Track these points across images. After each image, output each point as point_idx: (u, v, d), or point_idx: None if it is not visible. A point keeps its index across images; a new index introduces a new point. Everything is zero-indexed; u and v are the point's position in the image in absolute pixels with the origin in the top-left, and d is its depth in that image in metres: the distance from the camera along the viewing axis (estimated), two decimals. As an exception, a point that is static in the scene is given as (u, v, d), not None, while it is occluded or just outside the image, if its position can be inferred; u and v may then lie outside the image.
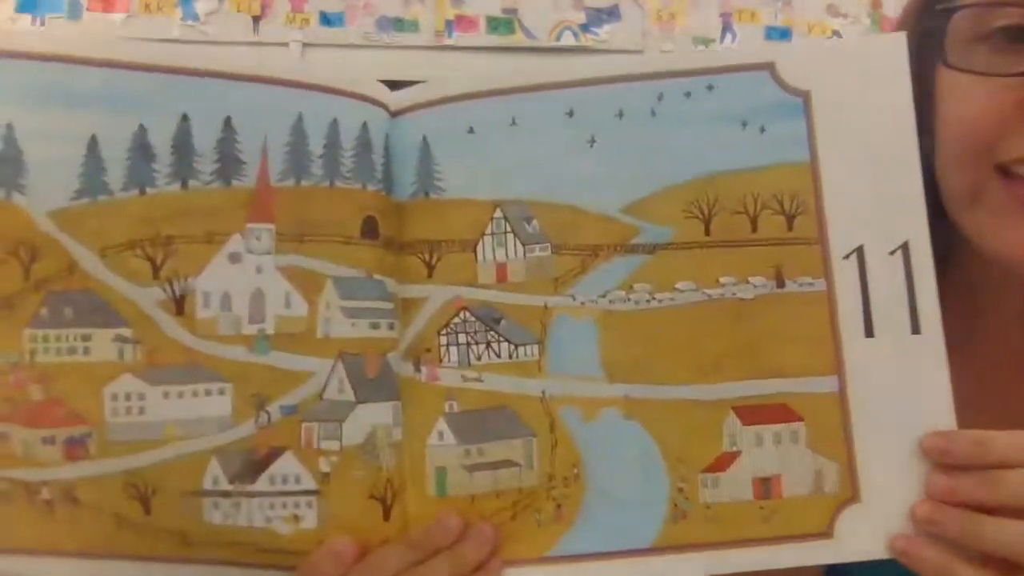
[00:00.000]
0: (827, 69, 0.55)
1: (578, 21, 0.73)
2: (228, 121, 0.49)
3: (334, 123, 0.52)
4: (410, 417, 0.53)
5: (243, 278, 0.49)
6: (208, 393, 0.49)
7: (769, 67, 0.54)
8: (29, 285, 0.47)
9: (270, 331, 0.49)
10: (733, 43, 0.96)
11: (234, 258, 0.49)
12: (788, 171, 0.54)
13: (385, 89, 0.55)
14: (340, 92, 0.53)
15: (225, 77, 0.50)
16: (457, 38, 0.71)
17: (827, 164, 0.54)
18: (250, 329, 0.49)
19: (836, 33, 1.01)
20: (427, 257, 0.54)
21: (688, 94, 0.54)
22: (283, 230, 0.50)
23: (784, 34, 0.98)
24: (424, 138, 0.55)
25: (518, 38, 0.80)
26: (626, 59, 0.57)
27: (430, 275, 0.54)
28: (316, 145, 0.51)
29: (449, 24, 0.74)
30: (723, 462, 0.52)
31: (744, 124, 0.54)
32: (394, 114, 0.55)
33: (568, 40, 0.85)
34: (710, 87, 0.54)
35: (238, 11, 1.24)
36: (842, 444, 0.51)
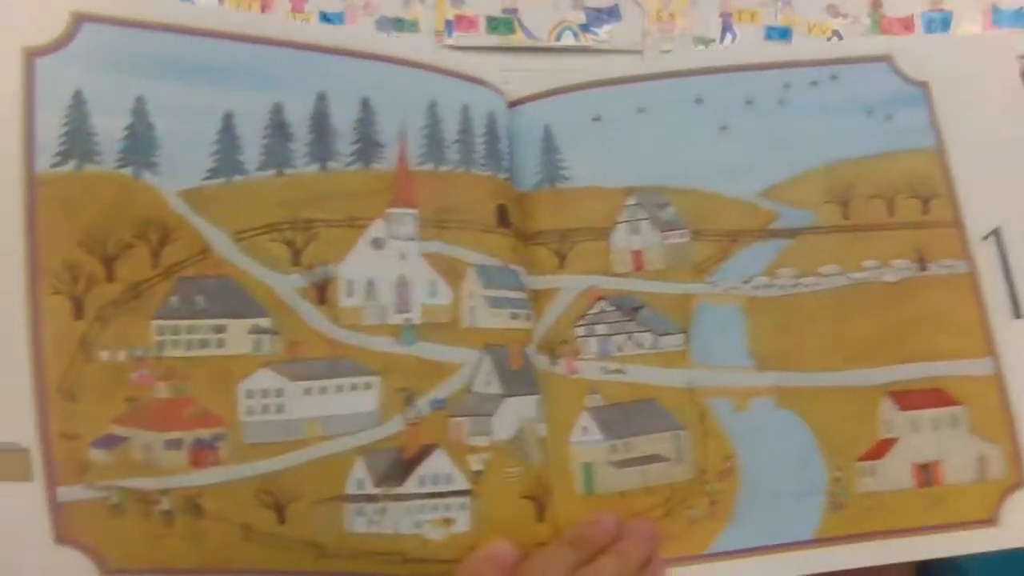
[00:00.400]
0: (942, 61, 0.55)
1: (578, 21, 0.73)
2: (366, 102, 0.47)
3: (465, 109, 0.50)
4: (551, 412, 0.49)
5: (387, 265, 0.46)
6: (354, 388, 0.45)
7: (887, 59, 0.54)
8: (159, 271, 0.43)
9: (416, 321, 0.46)
10: (733, 43, 0.97)
11: (377, 244, 0.46)
12: (917, 157, 0.54)
13: (502, 78, 0.53)
14: (469, 78, 0.50)
15: (362, 57, 0.47)
16: (457, 38, 0.71)
17: (954, 149, 0.54)
18: (396, 319, 0.46)
19: (836, 33, 1.03)
20: (557, 247, 0.51)
21: (814, 83, 0.54)
22: (424, 215, 0.47)
23: (784, 34, 1.00)
24: (546, 127, 0.52)
25: (518, 38, 0.80)
26: (749, 49, 0.56)
27: (561, 265, 0.51)
28: (450, 131, 0.49)
29: (449, 24, 0.73)
30: (880, 449, 0.50)
31: (870, 112, 0.54)
32: (511, 104, 0.53)
33: (568, 40, 0.86)
34: (834, 77, 0.54)
35: (238, 10, 1.18)
36: (1005, 427, 0.50)
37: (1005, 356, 0.51)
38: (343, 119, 0.46)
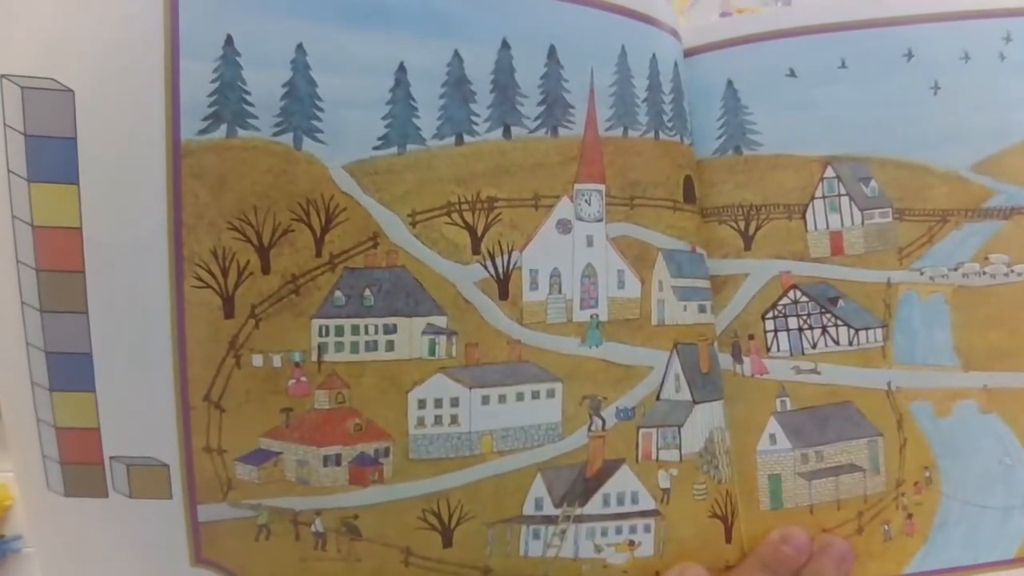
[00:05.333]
0: None
1: None
2: (552, 52, 0.40)
3: (654, 60, 0.44)
4: (735, 418, 0.45)
5: (573, 252, 0.40)
6: (535, 396, 0.40)
7: None
8: (322, 261, 0.37)
9: (603, 317, 0.41)
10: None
11: (563, 227, 0.41)
12: None
13: (678, 21, 0.46)
14: (651, 20, 0.44)
15: (549, -5, 0.40)
16: None
17: None
18: (582, 315, 0.41)
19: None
20: (742, 226, 0.46)
21: (1037, 34, 0.47)
22: (613, 192, 0.42)
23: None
24: (729, 82, 0.46)
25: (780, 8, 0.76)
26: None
27: (747, 247, 0.46)
28: (640, 87, 0.43)
29: None
30: (1092, 461, 0.46)
31: None
32: (687, 54, 0.47)
33: None
34: (1059, 26, 0.47)
35: None
36: None
37: None
38: (528, 73, 0.40)
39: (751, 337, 0.47)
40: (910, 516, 0.47)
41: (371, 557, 0.40)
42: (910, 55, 0.48)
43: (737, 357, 0.47)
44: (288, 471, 0.39)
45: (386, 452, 0.40)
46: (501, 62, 0.40)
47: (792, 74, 0.48)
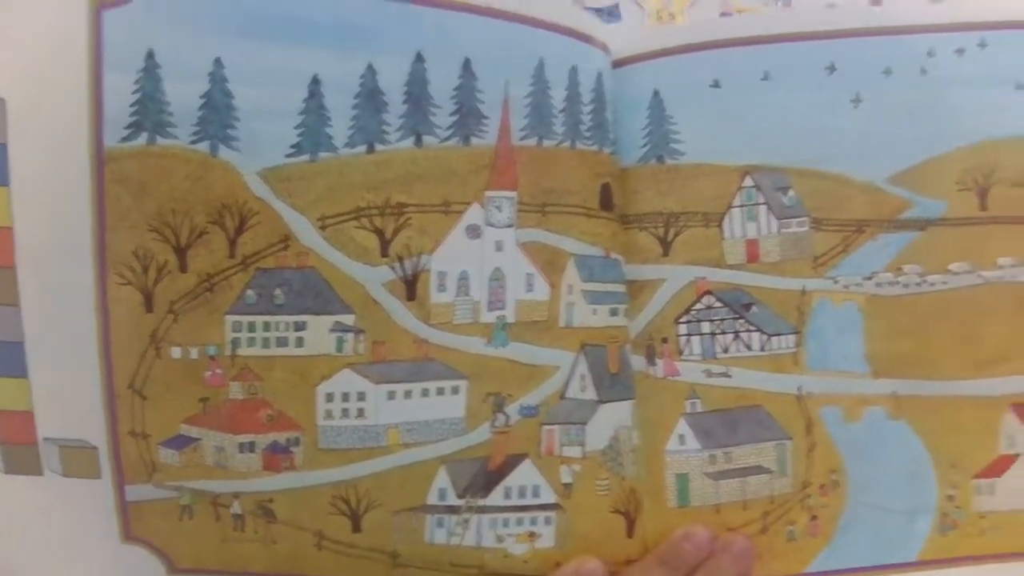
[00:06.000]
0: None
1: None
2: (467, 64, 0.43)
3: (574, 71, 0.46)
4: (646, 418, 0.47)
5: (482, 256, 0.43)
6: (440, 392, 0.43)
7: (1043, 23, 0.49)
8: (235, 261, 0.40)
9: (510, 319, 0.44)
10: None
11: (472, 232, 0.43)
12: None
13: (608, 34, 0.48)
14: (576, 34, 0.46)
15: (464, 9, 0.43)
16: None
17: None
18: (489, 317, 0.43)
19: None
20: (662, 232, 0.48)
21: (960, 51, 0.49)
22: (525, 199, 0.44)
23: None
24: (656, 92, 0.48)
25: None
26: (891, 10, 0.51)
27: (665, 253, 0.48)
28: (558, 97, 0.45)
29: None
30: (1000, 466, 0.49)
31: (1019, 87, 0.50)
32: (615, 64, 0.49)
33: None
34: (983, 44, 0.49)
35: None
36: None
37: None
38: (441, 85, 0.43)
39: (665, 340, 0.49)
40: (815, 517, 0.49)
41: (286, 539, 0.43)
42: (832, 68, 0.50)
43: (651, 359, 0.49)
44: (207, 456, 0.42)
45: (296, 441, 0.43)
46: (415, 74, 0.43)
47: (716, 85, 0.49)
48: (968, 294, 0.49)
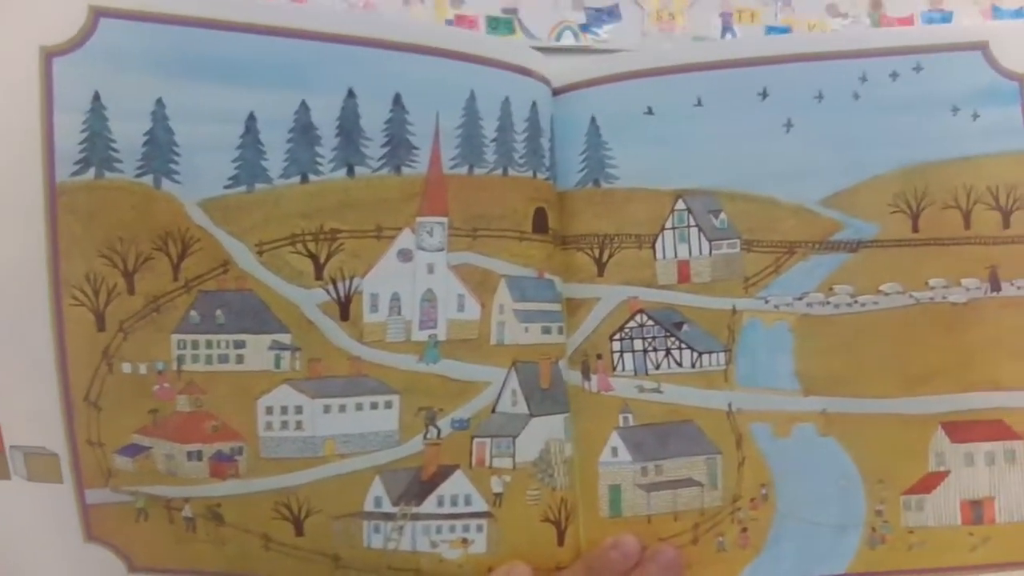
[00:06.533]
0: None
1: (578, 21, 0.72)
2: (398, 99, 0.45)
3: (506, 102, 0.48)
4: (580, 431, 0.50)
5: (414, 278, 0.46)
6: (374, 407, 0.45)
7: (982, 47, 0.50)
8: (179, 285, 0.44)
9: (442, 337, 0.46)
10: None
11: (404, 256, 0.46)
12: (1005, 162, 0.51)
13: (546, 63, 0.51)
14: (511, 67, 0.48)
15: (394, 48, 0.45)
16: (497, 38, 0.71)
17: None
18: (420, 335, 0.46)
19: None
20: (597, 253, 0.50)
21: (894, 75, 0.50)
22: (456, 224, 0.47)
23: (784, 33, 0.99)
24: (593, 119, 0.50)
25: (518, 38, 0.80)
26: (826, 36, 0.53)
27: (600, 273, 0.50)
28: (489, 128, 0.47)
29: (449, 24, 0.73)
30: (929, 483, 0.49)
31: (955, 110, 0.51)
32: (556, 92, 0.51)
33: (568, 40, 0.85)
34: (917, 68, 0.50)
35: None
36: None
37: None
38: (373, 119, 0.45)
39: (599, 356, 0.51)
40: (745, 530, 0.50)
41: (235, 541, 0.47)
42: (765, 94, 0.51)
43: (586, 374, 0.51)
44: (158, 463, 0.46)
45: (240, 451, 0.46)
46: (347, 109, 0.46)
47: (650, 112, 0.52)
48: (899, 314, 0.50)
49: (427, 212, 0.47)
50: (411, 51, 0.47)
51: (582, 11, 0.76)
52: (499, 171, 0.49)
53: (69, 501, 0.46)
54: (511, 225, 0.49)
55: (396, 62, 0.46)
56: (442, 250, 0.47)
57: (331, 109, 0.45)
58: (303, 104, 0.45)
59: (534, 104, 0.50)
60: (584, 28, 0.74)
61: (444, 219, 0.47)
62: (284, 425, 0.45)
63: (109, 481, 0.46)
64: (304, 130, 0.45)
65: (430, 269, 0.47)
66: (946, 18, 0.84)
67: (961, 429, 0.50)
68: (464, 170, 0.48)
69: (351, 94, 0.46)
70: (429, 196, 0.47)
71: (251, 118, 0.44)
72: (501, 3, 0.75)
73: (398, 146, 0.46)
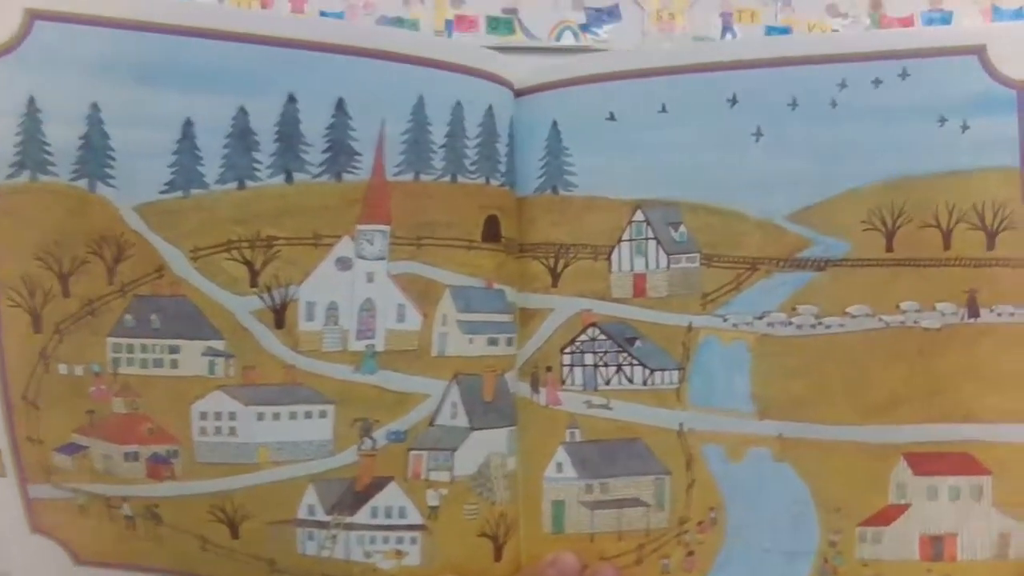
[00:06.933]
0: None
1: (578, 21, 0.70)
2: (340, 104, 0.44)
3: (458, 107, 0.46)
4: (526, 444, 0.48)
5: (352, 287, 0.45)
6: (308, 416, 0.45)
7: (979, 51, 0.47)
8: (114, 288, 0.43)
9: (380, 348, 0.45)
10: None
11: (343, 264, 0.45)
12: (993, 178, 0.47)
13: (508, 63, 0.49)
14: (464, 69, 0.46)
15: (338, 51, 0.44)
16: (457, 38, 0.69)
17: None
18: (357, 345, 0.45)
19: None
20: (552, 263, 0.48)
21: (877, 82, 0.47)
22: (399, 233, 0.46)
23: (784, 33, 0.94)
24: (554, 123, 0.48)
25: (518, 38, 0.79)
26: (804, 38, 0.49)
27: (555, 284, 0.49)
28: (438, 133, 0.46)
29: (449, 24, 0.71)
30: (888, 515, 0.47)
31: (942, 120, 0.47)
32: (518, 94, 0.49)
33: (568, 40, 0.83)
34: (904, 74, 0.47)
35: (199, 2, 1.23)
36: None
37: None
38: (313, 124, 0.44)
39: (549, 369, 0.50)
40: (691, 553, 0.49)
41: (173, 540, 0.47)
42: (734, 100, 0.49)
43: (535, 387, 0.50)
44: (96, 463, 0.46)
45: (175, 454, 0.46)
46: (286, 114, 0.45)
47: (612, 118, 0.49)
48: (866, 338, 0.48)
49: (368, 220, 0.45)
50: (356, 55, 0.45)
51: (582, 11, 0.74)
52: (447, 178, 0.47)
53: (14, 494, 0.47)
54: (459, 234, 0.47)
55: (340, 66, 0.45)
56: (383, 259, 0.46)
57: (270, 114, 0.44)
58: (241, 109, 0.44)
59: (490, 108, 0.48)
60: (584, 28, 0.72)
61: (386, 227, 0.46)
62: (218, 431, 0.45)
63: (50, 477, 0.46)
64: (242, 135, 0.44)
65: (369, 278, 0.46)
66: (946, 19, 0.79)
67: (925, 461, 0.47)
68: (409, 177, 0.46)
69: (291, 99, 0.44)
70: (370, 203, 0.45)
71: (188, 123, 0.43)
72: (501, 3, 0.74)
73: (339, 152, 0.45)
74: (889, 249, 0.47)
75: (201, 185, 0.44)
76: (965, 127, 0.47)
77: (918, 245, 0.47)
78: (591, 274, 0.49)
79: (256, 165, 0.44)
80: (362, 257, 0.46)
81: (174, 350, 0.45)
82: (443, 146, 0.47)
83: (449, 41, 0.49)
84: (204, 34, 0.44)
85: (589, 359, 0.49)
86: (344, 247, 0.45)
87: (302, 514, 0.46)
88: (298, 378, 0.46)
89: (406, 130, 0.46)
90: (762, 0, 0.71)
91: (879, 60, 0.48)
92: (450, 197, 0.47)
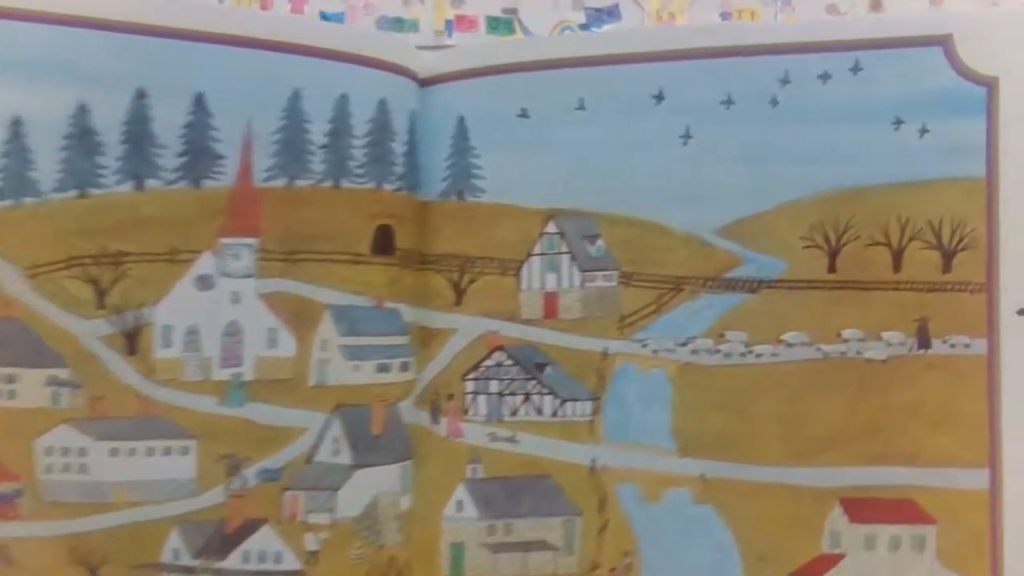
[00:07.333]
0: None
1: (578, 21, 0.66)
2: (200, 100, 0.38)
3: (342, 100, 0.40)
4: (423, 479, 0.43)
5: (215, 309, 0.39)
6: (167, 452, 0.39)
7: (943, 42, 0.40)
8: (-60, 310, 0.37)
9: (248, 377, 0.40)
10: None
11: (203, 283, 0.39)
12: (954, 189, 0.42)
13: (413, 50, 0.42)
14: (351, 58, 0.40)
15: (196, 39, 0.37)
16: (457, 38, 0.66)
17: (1010, 182, 0.41)
18: (223, 374, 0.39)
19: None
20: (456, 277, 0.42)
21: (825, 76, 0.41)
22: (269, 246, 0.40)
23: None
24: (461, 119, 0.42)
25: (518, 38, 0.74)
26: (742, 26, 0.43)
27: (458, 302, 0.43)
28: (318, 131, 0.40)
29: (449, 24, 0.68)
30: (820, 566, 0.42)
31: (898, 122, 0.42)
32: (423, 83, 0.42)
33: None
34: (856, 68, 0.41)
35: None
36: (984, 558, 0.41)
37: (1010, 468, 0.41)
38: (167, 123, 0.38)
39: (450, 397, 0.44)
40: (603, 601, 0.44)
41: None
42: (660, 97, 0.42)
43: (435, 416, 0.44)
44: (-64, 498, 0.41)
45: (20, 492, 0.40)
46: (135, 112, 0.38)
47: (524, 114, 0.43)
48: (802, 369, 0.42)
49: (232, 232, 0.40)
50: (218, 43, 0.38)
51: (582, 11, 0.70)
52: (329, 183, 0.41)
53: None
54: (342, 246, 0.41)
55: (199, 57, 0.38)
56: (251, 276, 0.40)
57: (116, 112, 0.38)
58: (81, 106, 0.37)
59: (383, 102, 0.42)
60: (584, 28, 0.68)
61: (253, 240, 0.40)
62: (67, 468, 0.40)
63: None
64: (82, 136, 0.38)
65: (235, 298, 0.40)
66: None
67: (863, 507, 0.42)
68: (282, 182, 0.40)
69: (141, 94, 0.38)
70: (235, 213, 0.39)
71: (16, 121, 0.37)
72: (501, 3, 0.70)
73: (199, 155, 0.39)
74: (831, 270, 0.42)
75: (34, 193, 0.38)
76: (924, 130, 0.41)
77: (864, 266, 0.42)
78: (498, 291, 0.43)
79: (100, 171, 0.38)
80: (226, 275, 0.40)
81: (11, 379, 0.39)
82: (324, 146, 0.41)
83: (333, 26, 0.43)
84: (34, 17, 0.37)
85: (494, 387, 0.44)
86: (205, 263, 0.39)
87: (166, 558, 0.41)
88: (155, 410, 0.40)
89: (278, 129, 0.40)
90: (762, 0, 0.65)
91: (828, 52, 0.42)
92: (332, 205, 0.41)
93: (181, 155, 0.39)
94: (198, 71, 0.39)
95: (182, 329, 0.40)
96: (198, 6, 0.39)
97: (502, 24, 0.74)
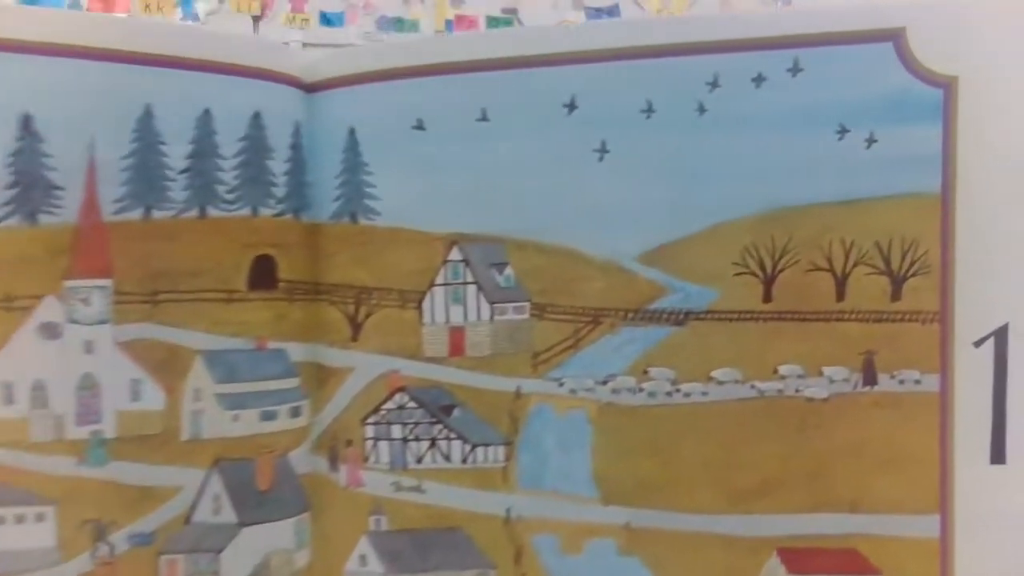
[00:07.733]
0: (990, 41, 0.36)
1: (578, 21, 0.62)
2: (26, 121, 0.32)
3: (206, 116, 0.34)
4: (322, 532, 0.39)
5: (65, 360, 0.34)
6: (20, 520, 0.35)
7: (895, 37, 0.36)
8: None
9: (110, 434, 0.35)
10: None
11: (49, 331, 0.34)
12: (905, 207, 0.37)
13: (297, 53, 0.36)
14: (213, 67, 0.34)
15: (17, 49, 0.31)
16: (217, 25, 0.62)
17: (968, 198, 0.36)
18: (79, 432, 0.35)
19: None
20: (352, 310, 0.37)
21: (759, 79, 0.36)
22: (126, 288, 0.35)
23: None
24: (351, 131, 0.37)
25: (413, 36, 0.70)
26: (663, 22, 0.37)
27: (355, 337, 0.38)
28: (176, 154, 0.34)
29: (449, 24, 0.64)
30: (760, 621, 0.38)
31: (843, 130, 0.37)
32: (310, 89, 0.37)
33: None
34: (795, 68, 0.36)
35: (238, 11, 1.31)
36: None
37: (963, 515, 0.38)
38: None
39: (349, 443, 0.39)
40: (522, 659, 0.40)
41: None
42: (572, 106, 0.37)
43: (333, 464, 0.40)
44: None
45: None
46: (-50, 139, 0.32)
47: (420, 126, 0.38)
48: (734, 409, 0.38)
49: (79, 274, 0.34)
50: (45, 53, 0.32)
51: (582, 11, 0.66)
52: (193, 212, 0.35)
53: None
54: (212, 283, 0.36)
55: (22, 69, 0.32)
56: (105, 322, 0.35)
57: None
58: None
59: (257, 116, 0.36)
60: None
61: (105, 282, 0.35)
62: (-96, 541, 0.35)
63: None
64: None
65: (88, 348, 0.35)
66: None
67: (802, 557, 0.38)
68: (137, 214, 0.35)
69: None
70: (82, 252, 0.34)
71: None
72: (501, 3, 0.66)
73: (31, 187, 0.33)
74: (767, 299, 0.37)
75: None
76: (872, 140, 0.36)
77: (804, 294, 0.37)
78: (398, 326, 0.38)
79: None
80: (75, 322, 0.35)
81: None
82: (185, 171, 0.35)
83: (192, 28, 0.37)
84: None
85: (397, 431, 0.39)
86: (49, 310, 0.34)
87: (33, 634, 0.36)
88: (2, 476, 0.35)
89: (129, 153, 0.34)
90: (762, 0, 0.61)
91: (762, 50, 0.37)
92: (198, 237, 0.36)
93: (9, 188, 0.33)
94: (22, 88, 0.33)
95: (26, 384, 0.35)
96: (19, 11, 0.33)
97: (502, 24, 0.70)
